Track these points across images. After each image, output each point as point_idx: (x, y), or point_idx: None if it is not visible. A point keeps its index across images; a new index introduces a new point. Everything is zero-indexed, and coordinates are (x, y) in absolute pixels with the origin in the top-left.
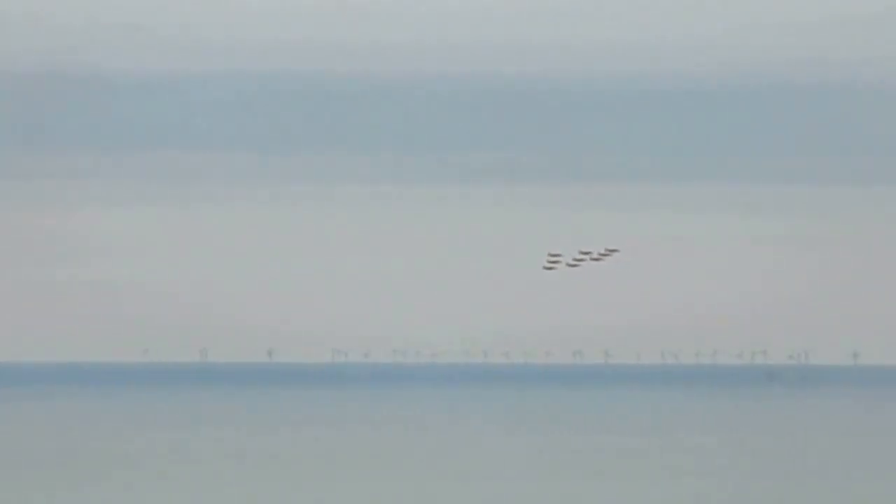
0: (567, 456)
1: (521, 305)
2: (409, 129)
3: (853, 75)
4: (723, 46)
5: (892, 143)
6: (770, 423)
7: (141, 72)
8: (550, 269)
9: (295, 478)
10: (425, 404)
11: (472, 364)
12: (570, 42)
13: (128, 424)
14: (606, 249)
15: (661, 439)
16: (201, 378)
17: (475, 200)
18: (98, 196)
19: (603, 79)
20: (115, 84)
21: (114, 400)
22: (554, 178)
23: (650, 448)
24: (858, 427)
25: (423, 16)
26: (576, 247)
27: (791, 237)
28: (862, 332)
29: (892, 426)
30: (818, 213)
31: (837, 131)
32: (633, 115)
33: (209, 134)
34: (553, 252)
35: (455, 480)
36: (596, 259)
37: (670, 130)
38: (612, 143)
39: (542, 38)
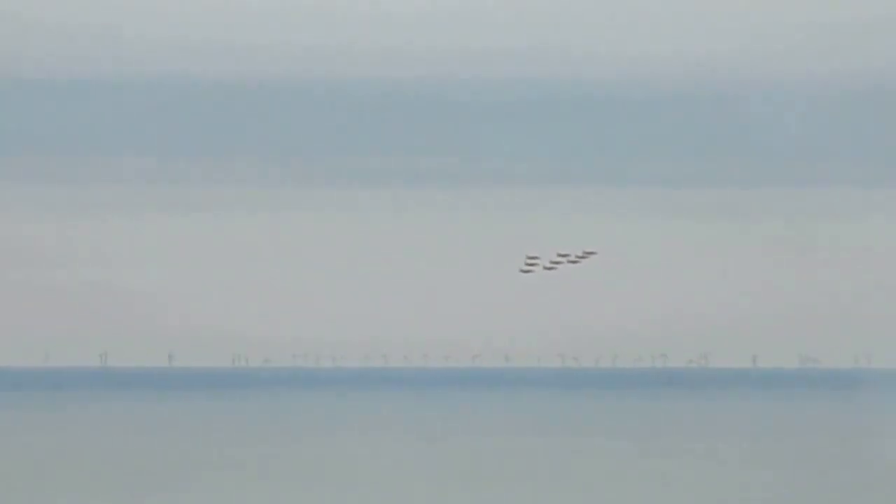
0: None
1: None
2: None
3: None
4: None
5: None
6: (664, 422)
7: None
8: (528, 271)
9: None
10: (323, 408)
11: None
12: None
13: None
14: (584, 252)
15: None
16: (99, 382)
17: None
18: None
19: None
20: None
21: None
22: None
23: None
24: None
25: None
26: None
27: (697, 242)
28: (760, 337)
29: (781, 424)
30: (716, 217)
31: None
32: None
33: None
34: (531, 255)
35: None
36: (573, 262)
37: (574, 136)
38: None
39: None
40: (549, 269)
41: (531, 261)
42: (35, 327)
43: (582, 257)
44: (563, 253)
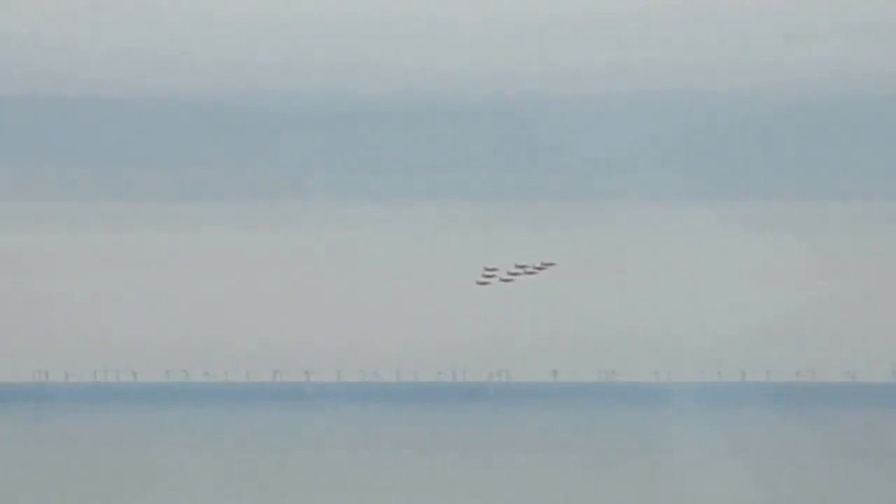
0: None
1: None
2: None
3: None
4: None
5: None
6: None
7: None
8: (485, 283)
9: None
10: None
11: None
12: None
13: None
14: (542, 263)
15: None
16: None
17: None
18: None
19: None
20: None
21: None
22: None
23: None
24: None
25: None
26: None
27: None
28: (559, 351)
29: (567, 437)
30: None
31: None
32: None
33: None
34: (489, 266)
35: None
36: (531, 273)
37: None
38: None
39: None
40: (507, 280)
41: (489, 272)
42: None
43: (540, 268)
44: (521, 264)
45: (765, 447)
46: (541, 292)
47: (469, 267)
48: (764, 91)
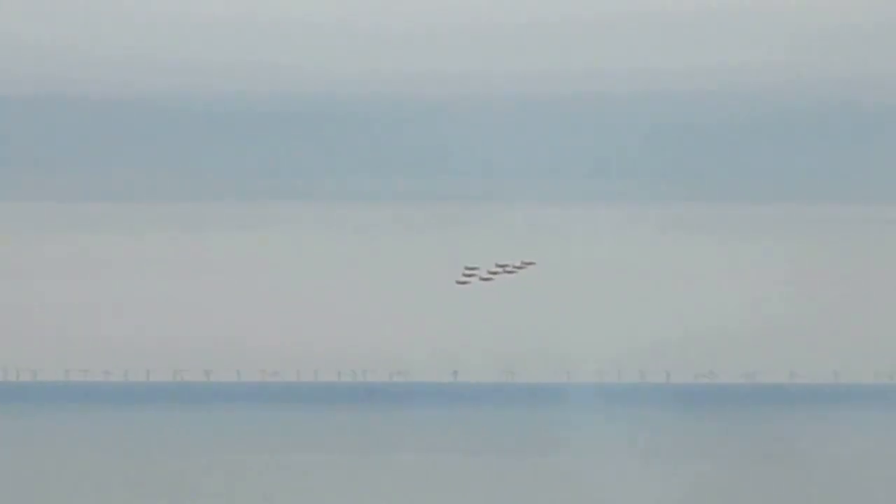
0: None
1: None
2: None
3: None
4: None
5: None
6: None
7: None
8: (464, 283)
9: None
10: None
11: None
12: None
13: None
14: (522, 262)
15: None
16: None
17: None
18: None
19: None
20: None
21: None
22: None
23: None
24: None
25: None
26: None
27: None
28: (460, 351)
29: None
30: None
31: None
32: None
33: None
34: (469, 266)
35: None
36: (510, 272)
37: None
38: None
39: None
40: (486, 279)
41: (469, 271)
42: None
43: (519, 268)
44: (501, 263)
45: (652, 446)
46: (448, 294)
47: (360, 269)
48: (671, 95)
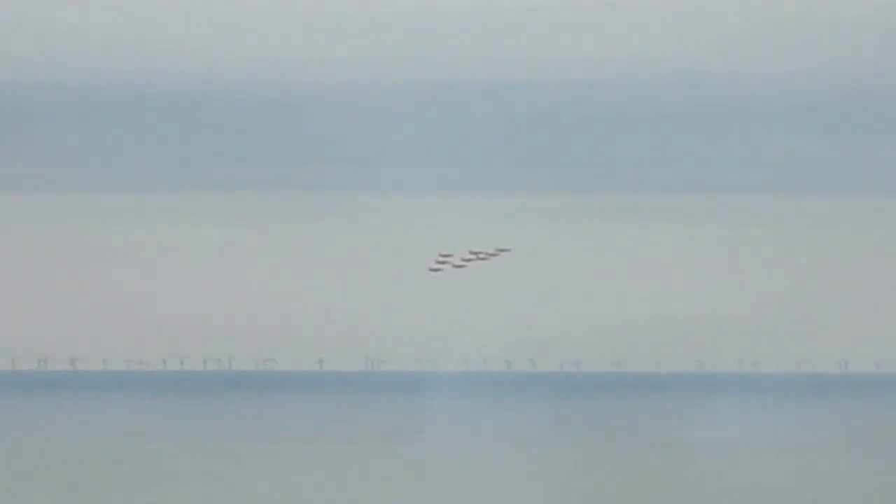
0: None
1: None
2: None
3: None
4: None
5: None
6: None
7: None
8: (437, 270)
9: None
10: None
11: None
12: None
13: None
14: (496, 249)
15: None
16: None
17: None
18: None
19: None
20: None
21: None
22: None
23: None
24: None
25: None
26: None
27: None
28: (326, 340)
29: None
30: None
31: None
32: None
33: None
34: (444, 252)
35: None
36: (483, 258)
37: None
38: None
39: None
40: (459, 266)
41: (443, 259)
42: None
43: (493, 255)
44: (475, 250)
45: (503, 432)
46: (310, 282)
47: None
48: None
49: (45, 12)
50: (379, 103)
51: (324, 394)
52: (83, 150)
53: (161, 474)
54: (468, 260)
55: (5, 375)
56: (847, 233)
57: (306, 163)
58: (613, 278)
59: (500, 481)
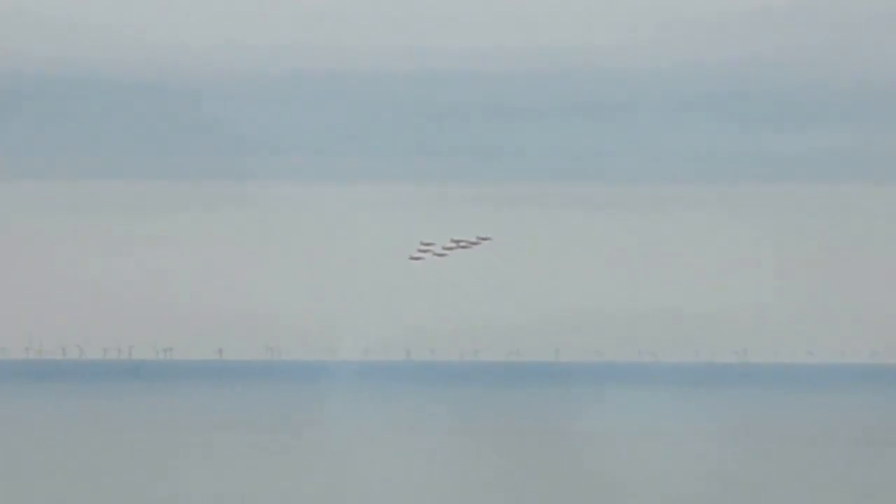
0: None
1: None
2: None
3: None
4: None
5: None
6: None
7: None
8: (418, 259)
9: None
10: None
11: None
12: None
13: None
14: (478, 237)
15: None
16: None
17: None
18: None
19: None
20: None
21: None
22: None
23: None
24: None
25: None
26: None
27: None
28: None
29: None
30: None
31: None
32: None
33: None
34: (425, 241)
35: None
36: (465, 247)
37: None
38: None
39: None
40: (440, 255)
41: (424, 247)
42: None
43: (474, 243)
44: (456, 239)
45: (395, 421)
46: (211, 272)
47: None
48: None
49: None
50: (264, 91)
51: (221, 385)
52: None
53: (47, 468)
54: (449, 248)
55: None
56: (721, 221)
57: (208, 152)
58: (519, 270)
59: (380, 468)
